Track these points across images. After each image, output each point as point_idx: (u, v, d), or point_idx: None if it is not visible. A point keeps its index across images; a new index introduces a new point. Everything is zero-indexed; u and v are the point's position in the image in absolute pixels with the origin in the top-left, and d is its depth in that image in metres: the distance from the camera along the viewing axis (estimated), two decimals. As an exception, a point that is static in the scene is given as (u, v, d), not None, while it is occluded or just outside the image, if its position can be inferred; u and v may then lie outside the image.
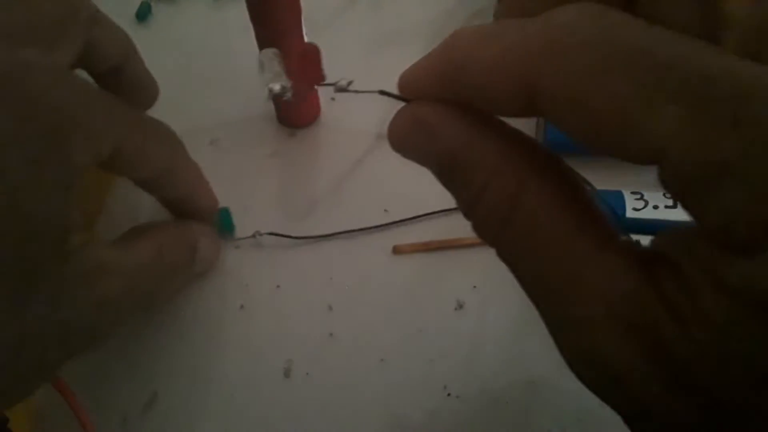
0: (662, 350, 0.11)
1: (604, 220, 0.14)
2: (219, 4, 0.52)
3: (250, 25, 0.39)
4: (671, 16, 0.13)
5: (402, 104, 0.17)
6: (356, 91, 0.21)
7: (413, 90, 0.16)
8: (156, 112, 0.46)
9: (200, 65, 0.48)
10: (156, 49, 0.50)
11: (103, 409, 0.33)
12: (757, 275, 0.10)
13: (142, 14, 0.52)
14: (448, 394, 0.34)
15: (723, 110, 0.10)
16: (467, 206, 0.15)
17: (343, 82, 0.22)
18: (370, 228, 0.38)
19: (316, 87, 0.31)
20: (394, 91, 0.17)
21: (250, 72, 0.43)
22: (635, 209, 0.36)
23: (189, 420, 0.33)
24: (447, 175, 0.15)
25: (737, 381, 0.11)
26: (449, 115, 0.15)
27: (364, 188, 0.40)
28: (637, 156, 0.12)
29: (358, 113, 0.44)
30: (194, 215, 0.34)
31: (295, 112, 0.44)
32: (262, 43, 0.39)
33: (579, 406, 0.32)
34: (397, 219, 0.39)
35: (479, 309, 0.36)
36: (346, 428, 0.33)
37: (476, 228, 0.15)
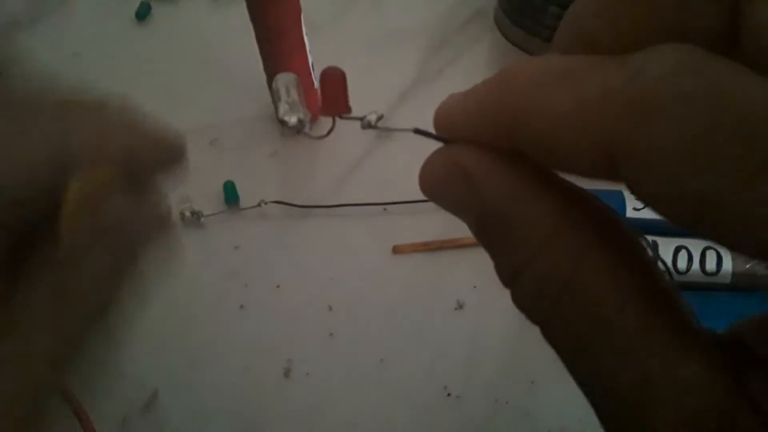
0: None
1: (679, 305, 0.11)
2: (219, 3, 0.52)
3: (250, 25, 0.38)
4: None
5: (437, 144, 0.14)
6: (387, 129, 0.18)
7: (453, 130, 0.13)
8: (156, 112, 0.46)
9: (200, 65, 0.48)
10: (155, 48, 0.50)
11: (103, 408, 0.33)
12: None
13: (142, 14, 0.52)
14: (448, 394, 0.34)
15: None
16: (509, 274, 0.12)
17: (372, 117, 0.18)
18: (369, 204, 0.38)
19: (338, 117, 0.27)
20: (430, 128, 0.14)
21: (250, 72, 0.43)
22: (635, 209, 0.36)
23: (189, 420, 0.33)
24: (487, 234, 0.13)
25: None
26: (496, 164, 0.12)
27: (364, 188, 0.40)
28: (749, 253, 0.09)
29: (358, 113, 0.44)
30: None
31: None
32: (262, 43, 0.39)
33: (579, 406, 0.32)
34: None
35: (479, 309, 0.36)
36: (345, 428, 0.33)
37: (518, 300, 0.13)
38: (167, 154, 0.18)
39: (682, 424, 0.10)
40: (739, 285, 0.36)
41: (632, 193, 0.10)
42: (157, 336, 0.36)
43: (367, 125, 0.18)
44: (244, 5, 0.37)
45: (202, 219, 0.39)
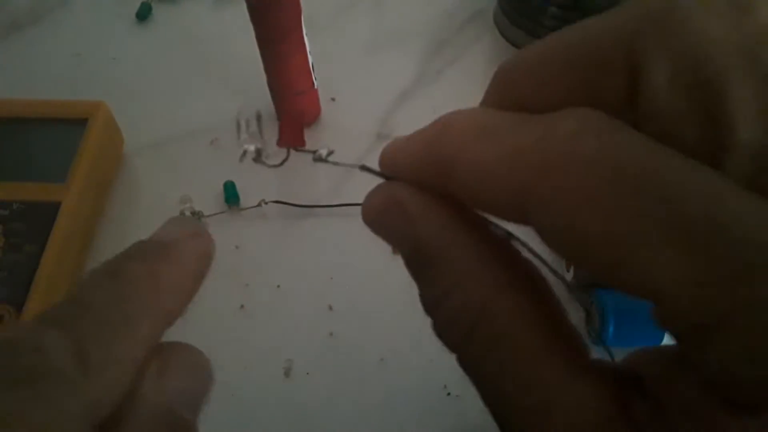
0: None
1: (576, 337, 0.13)
2: (219, 4, 0.52)
3: (250, 26, 0.39)
4: (674, 132, 0.11)
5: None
6: (335, 163, 0.20)
7: (396, 169, 0.15)
8: (156, 113, 0.46)
9: (200, 65, 0.49)
10: (156, 49, 0.50)
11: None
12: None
13: (143, 14, 0.52)
14: (448, 394, 0.34)
15: (727, 263, 0.09)
16: (430, 305, 0.14)
17: (324, 151, 0.21)
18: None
19: (295, 149, 0.30)
20: (377, 166, 0.16)
21: (250, 72, 0.43)
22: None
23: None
24: (415, 265, 0.14)
25: None
26: (428, 202, 0.14)
27: (365, 188, 0.40)
28: (632, 292, 0.11)
29: (358, 113, 0.44)
30: None
31: (295, 112, 0.44)
32: (263, 43, 0.39)
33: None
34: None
35: (479, 309, 0.36)
36: (346, 428, 0.33)
37: (436, 329, 0.14)
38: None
39: None
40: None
41: (539, 235, 0.12)
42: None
43: (318, 158, 0.20)
44: (244, 6, 0.37)
45: (203, 219, 0.39)
